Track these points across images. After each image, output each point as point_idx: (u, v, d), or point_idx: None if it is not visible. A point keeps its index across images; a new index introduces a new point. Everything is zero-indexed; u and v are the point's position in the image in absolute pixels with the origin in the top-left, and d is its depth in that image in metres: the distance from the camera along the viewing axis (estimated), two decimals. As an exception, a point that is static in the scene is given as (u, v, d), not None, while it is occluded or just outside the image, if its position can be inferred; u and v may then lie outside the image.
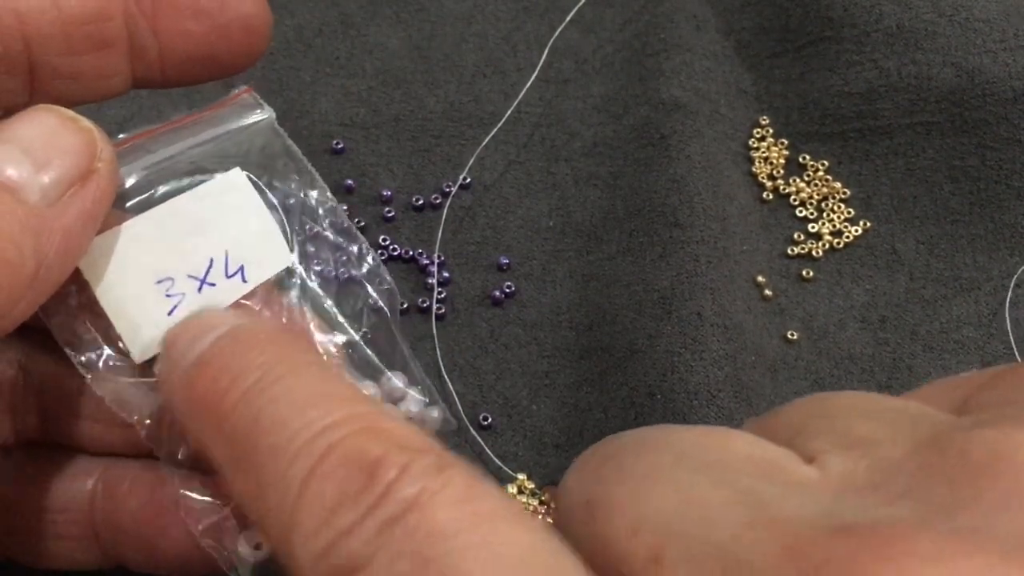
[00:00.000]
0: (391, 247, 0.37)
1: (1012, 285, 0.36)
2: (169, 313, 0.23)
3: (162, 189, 0.25)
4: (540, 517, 0.32)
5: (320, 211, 0.28)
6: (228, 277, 0.24)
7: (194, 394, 0.21)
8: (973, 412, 0.20)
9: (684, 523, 0.18)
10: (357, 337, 0.26)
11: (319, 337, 0.25)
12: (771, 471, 0.19)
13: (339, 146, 0.39)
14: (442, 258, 0.37)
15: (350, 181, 0.38)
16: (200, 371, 0.21)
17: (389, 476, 0.18)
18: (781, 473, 0.19)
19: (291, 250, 0.26)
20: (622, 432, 0.22)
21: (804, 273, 0.36)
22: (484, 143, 0.39)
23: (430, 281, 0.36)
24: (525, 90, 0.39)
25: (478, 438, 0.33)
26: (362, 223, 0.37)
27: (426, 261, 0.37)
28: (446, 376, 0.34)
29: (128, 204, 0.24)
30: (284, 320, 0.26)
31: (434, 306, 0.36)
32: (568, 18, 0.41)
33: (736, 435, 0.21)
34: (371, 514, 0.18)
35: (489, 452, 0.33)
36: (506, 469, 0.33)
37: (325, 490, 0.18)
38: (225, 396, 0.20)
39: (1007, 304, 0.35)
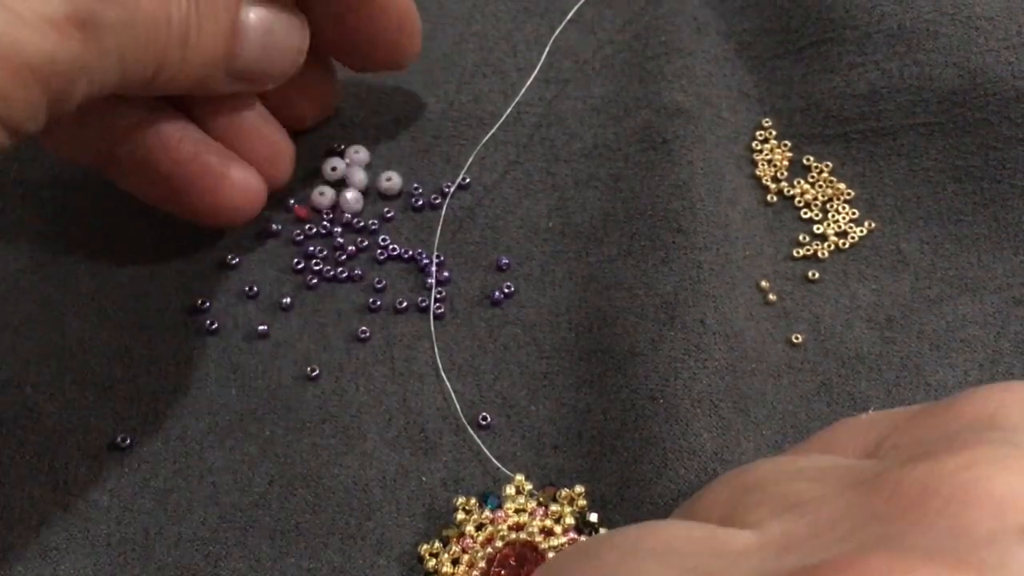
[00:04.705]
0: (391, 247, 0.37)
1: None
2: None
3: None
4: (539, 518, 0.31)
5: None
6: None
7: None
8: (890, 453, 0.22)
9: None
10: None
11: None
12: (713, 546, 0.20)
13: (339, 147, 0.39)
14: (441, 258, 0.36)
15: (349, 181, 0.38)
16: None
17: None
18: (723, 545, 0.20)
19: None
20: (560, 552, 0.23)
21: (810, 274, 0.36)
22: (483, 143, 0.38)
23: (429, 281, 0.36)
24: (524, 90, 0.39)
25: (476, 438, 0.33)
26: (362, 223, 0.37)
27: (426, 261, 0.36)
28: (444, 375, 0.34)
29: None
30: None
31: (432, 305, 0.35)
32: (567, 18, 0.41)
33: (670, 522, 0.22)
34: None
35: (487, 452, 0.33)
36: (504, 470, 0.32)
37: None
38: None
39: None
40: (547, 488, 0.32)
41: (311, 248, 0.37)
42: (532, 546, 0.31)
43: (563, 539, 0.31)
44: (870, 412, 0.25)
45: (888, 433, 0.23)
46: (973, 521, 0.17)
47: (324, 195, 0.38)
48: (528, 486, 0.32)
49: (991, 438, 0.19)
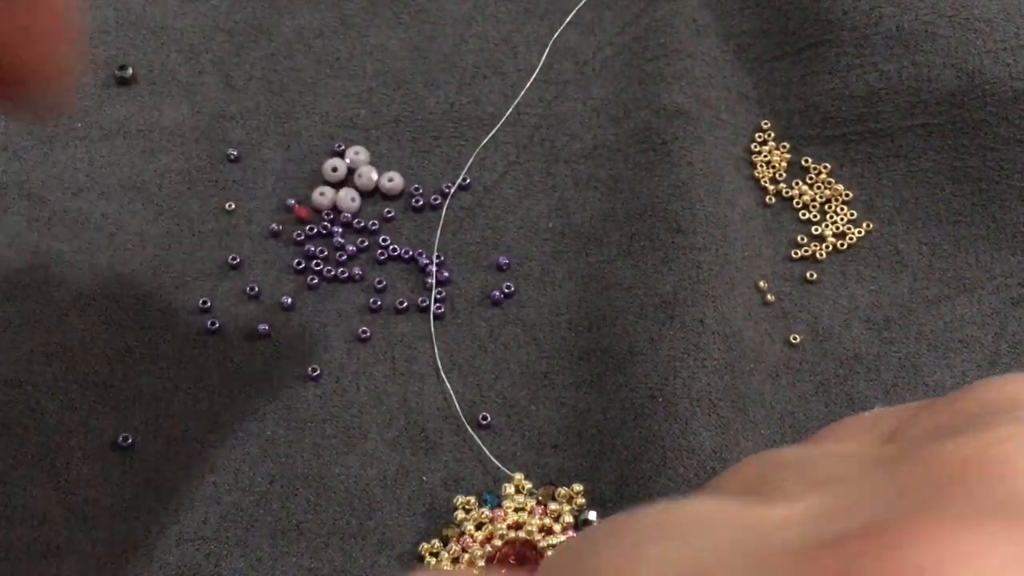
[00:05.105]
0: (391, 247, 0.37)
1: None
2: None
3: None
4: (537, 516, 0.31)
5: None
6: None
7: None
8: (909, 441, 0.21)
9: None
10: None
11: None
12: (746, 518, 0.19)
13: (340, 147, 0.39)
14: (441, 258, 0.37)
15: (350, 182, 0.38)
16: None
17: None
18: (757, 517, 0.19)
19: None
20: (572, 538, 0.22)
21: (808, 275, 0.36)
22: (484, 144, 0.38)
23: (429, 281, 0.36)
24: (524, 91, 0.39)
25: (476, 438, 0.33)
26: (362, 223, 0.37)
27: (426, 261, 0.36)
28: (444, 375, 0.34)
29: None
30: None
31: (432, 305, 0.35)
32: (567, 20, 0.41)
33: (696, 498, 0.21)
34: None
35: (487, 452, 0.33)
36: (504, 469, 0.32)
37: None
38: None
39: None
40: (546, 487, 0.32)
41: (312, 248, 0.37)
42: (531, 544, 0.31)
43: (562, 537, 0.31)
44: (875, 409, 0.25)
45: (899, 426, 0.23)
46: (1017, 490, 0.17)
47: (324, 195, 0.38)
48: (527, 485, 0.32)
49: (1019, 416, 0.20)
